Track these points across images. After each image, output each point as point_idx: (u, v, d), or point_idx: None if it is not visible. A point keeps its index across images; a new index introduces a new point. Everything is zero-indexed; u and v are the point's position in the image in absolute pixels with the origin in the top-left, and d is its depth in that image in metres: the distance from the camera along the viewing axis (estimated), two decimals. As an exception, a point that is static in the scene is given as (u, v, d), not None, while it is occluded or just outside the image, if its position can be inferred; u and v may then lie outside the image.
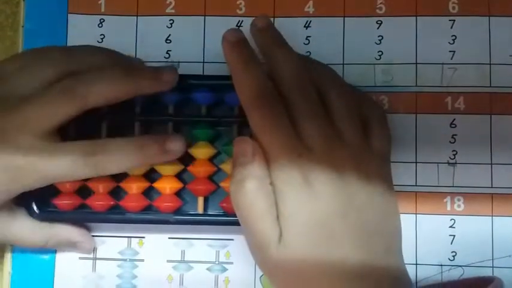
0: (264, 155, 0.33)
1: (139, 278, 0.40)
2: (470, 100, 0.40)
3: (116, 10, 0.42)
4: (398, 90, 0.40)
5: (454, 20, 0.40)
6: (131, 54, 0.41)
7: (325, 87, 0.36)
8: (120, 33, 0.41)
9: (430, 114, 0.40)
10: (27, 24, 0.42)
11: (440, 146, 0.40)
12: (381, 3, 0.41)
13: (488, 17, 0.40)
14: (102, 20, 0.41)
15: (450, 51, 0.40)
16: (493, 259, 0.39)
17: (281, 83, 0.35)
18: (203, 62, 0.41)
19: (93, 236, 0.40)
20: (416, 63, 0.40)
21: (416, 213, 0.39)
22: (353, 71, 0.40)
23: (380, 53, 0.41)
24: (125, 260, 0.40)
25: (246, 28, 0.38)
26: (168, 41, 0.41)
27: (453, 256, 0.39)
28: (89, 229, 0.40)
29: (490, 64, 0.40)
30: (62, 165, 0.34)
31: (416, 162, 0.40)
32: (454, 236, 0.39)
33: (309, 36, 0.41)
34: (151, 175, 0.39)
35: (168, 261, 0.40)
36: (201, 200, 0.39)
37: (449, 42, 0.40)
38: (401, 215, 0.35)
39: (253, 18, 0.38)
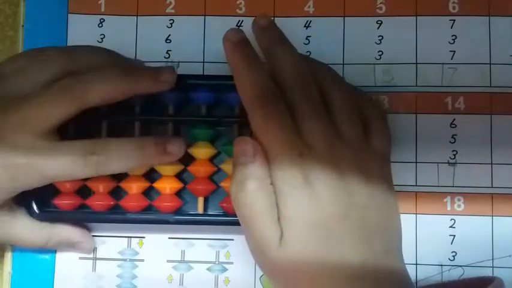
0: (265, 155, 0.33)
1: (139, 278, 0.40)
2: (470, 100, 0.40)
3: (116, 10, 0.41)
4: (399, 90, 0.40)
5: (454, 20, 0.40)
6: (131, 54, 0.41)
7: (325, 86, 0.36)
8: (120, 33, 0.41)
9: (430, 114, 0.40)
10: (27, 24, 0.42)
11: (440, 146, 0.40)
12: (381, 3, 0.41)
13: (488, 17, 0.40)
14: (102, 20, 0.41)
15: (450, 51, 0.40)
16: (493, 259, 0.39)
17: (283, 81, 0.35)
18: (203, 62, 0.41)
19: (93, 236, 0.40)
20: (416, 63, 0.40)
21: (416, 213, 0.39)
22: (353, 71, 0.40)
23: (380, 53, 0.41)
24: (125, 260, 0.40)
25: (246, 28, 0.38)
26: (168, 41, 0.41)
27: (453, 256, 0.39)
28: (89, 229, 0.40)
29: (490, 64, 0.40)
30: (62, 164, 0.34)
31: (416, 162, 0.40)
32: (454, 236, 0.39)
33: (309, 36, 0.41)
34: (151, 175, 0.39)
35: (168, 261, 0.40)
36: (201, 200, 0.39)
37: (449, 42, 0.40)
38: (401, 215, 0.35)
39: (254, 18, 0.38)
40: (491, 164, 0.39)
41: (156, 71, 0.37)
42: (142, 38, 0.41)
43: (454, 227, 0.39)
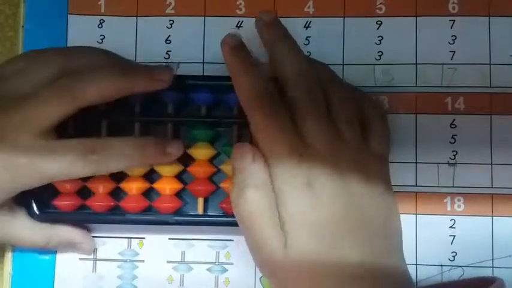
0: (264, 159, 0.33)
1: (139, 278, 0.40)
2: (470, 100, 0.40)
3: (115, 11, 0.41)
4: (399, 90, 0.40)
5: (454, 20, 0.40)
6: (131, 54, 0.41)
7: (325, 87, 0.36)
8: (120, 34, 0.41)
9: (430, 114, 0.40)
10: (27, 24, 0.42)
11: (440, 146, 0.40)
12: (380, 3, 0.41)
13: (488, 17, 0.40)
14: (102, 21, 0.41)
15: (450, 51, 0.40)
16: (493, 259, 0.39)
17: (285, 79, 0.35)
18: (203, 63, 0.41)
19: (93, 236, 0.40)
20: (416, 64, 0.40)
21: (416, 214, 0.39)
22: (353, 71, 0.40)
23: (380, 53, 0.40)
24: (125, 260, 0.40)
25: (246, 28, 0.38)
26: (168, 42, 0.41)
27: (453, 256, 0.39)
28: (89, 230, 0.40)
29: (490, 64, 0.40)
30: (62, 164, 0.34)
31: (416, 162, 0.40)
32: (454, 236, 0.39)
33: (309, 37, 0.41)
34: (151, 176, 0.39)
35: (168, 262, 0.40)
36: (200, 201, 0.39)
37: (449, 42, 0.40)
38: (401, 215, 0.35)
39: (256, 15, 0.38)
40: (491, 164, 0.39)
41: (152, 70, 0.37)
42: (142, 38, 0.41)
43: (454, 227, 0.39)
